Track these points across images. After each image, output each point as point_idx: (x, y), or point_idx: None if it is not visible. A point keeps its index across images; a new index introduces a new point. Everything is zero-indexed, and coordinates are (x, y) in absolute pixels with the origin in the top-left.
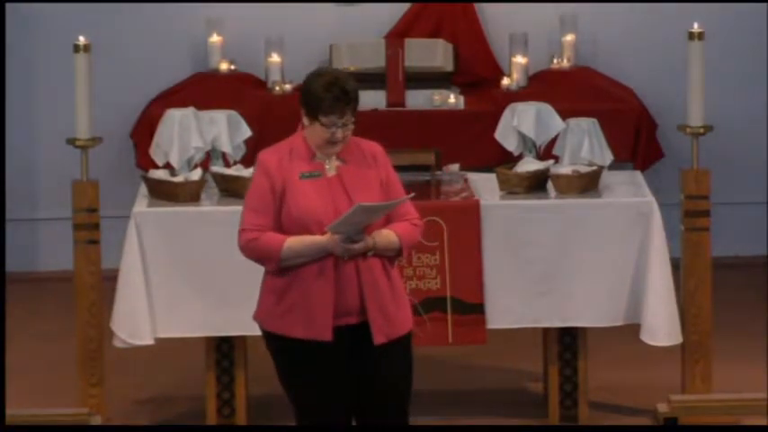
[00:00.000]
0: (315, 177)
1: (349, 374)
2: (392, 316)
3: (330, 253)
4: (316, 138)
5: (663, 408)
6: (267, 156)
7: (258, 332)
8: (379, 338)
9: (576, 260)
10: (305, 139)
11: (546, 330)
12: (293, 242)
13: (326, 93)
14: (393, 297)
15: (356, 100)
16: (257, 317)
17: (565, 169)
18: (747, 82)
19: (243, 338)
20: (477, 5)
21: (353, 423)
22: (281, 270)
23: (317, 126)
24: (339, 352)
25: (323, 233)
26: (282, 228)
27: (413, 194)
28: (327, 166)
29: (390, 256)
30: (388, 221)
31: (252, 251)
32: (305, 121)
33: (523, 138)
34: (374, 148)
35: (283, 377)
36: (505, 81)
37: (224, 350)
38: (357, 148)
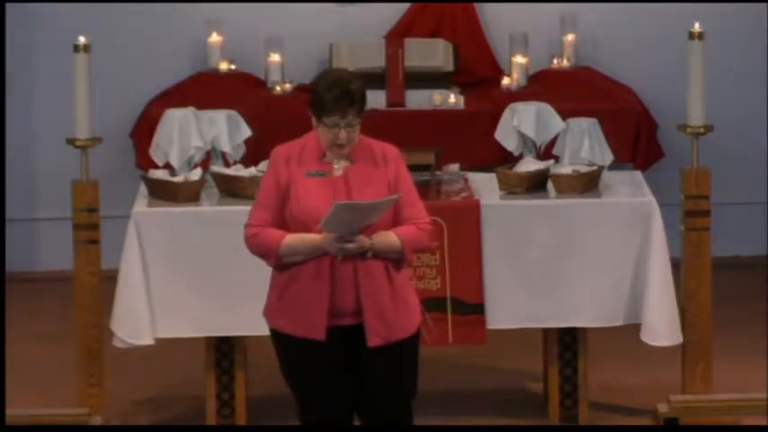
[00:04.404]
0: (320, 176)
1: (349, 374)
2: (391, 319)
3: (326, 252)
4: (323, 138)
5: (663, 408)
6: (278, 150)
7: (257, 332)
8: (373, 340)
9: (576, 260)
10: (318, 137)
11: (546, 330)
12: (292, 239)
13: (328, 93)
14: (394, 300)
15: (361, 101)
16: (264, 313)
17: (565, 169)
18: (747, 81)
19: (243, 338)
20: (477, 5)
21: (356, 422)
22: (281, 267)
23: (322, 127)
24: (334, 352)
25: (320, 232)
26: (286, 224)
27: (399, 196)
28: (335, 166)
29: (395, 259)
30: (395, 224)
31: (253, 246)
32: (313, 121)
33: (523, 138)
34: (387, 149)
35: (284, 373)
36: (505, 81)
37: (224, 350)
38: (369, 148)
